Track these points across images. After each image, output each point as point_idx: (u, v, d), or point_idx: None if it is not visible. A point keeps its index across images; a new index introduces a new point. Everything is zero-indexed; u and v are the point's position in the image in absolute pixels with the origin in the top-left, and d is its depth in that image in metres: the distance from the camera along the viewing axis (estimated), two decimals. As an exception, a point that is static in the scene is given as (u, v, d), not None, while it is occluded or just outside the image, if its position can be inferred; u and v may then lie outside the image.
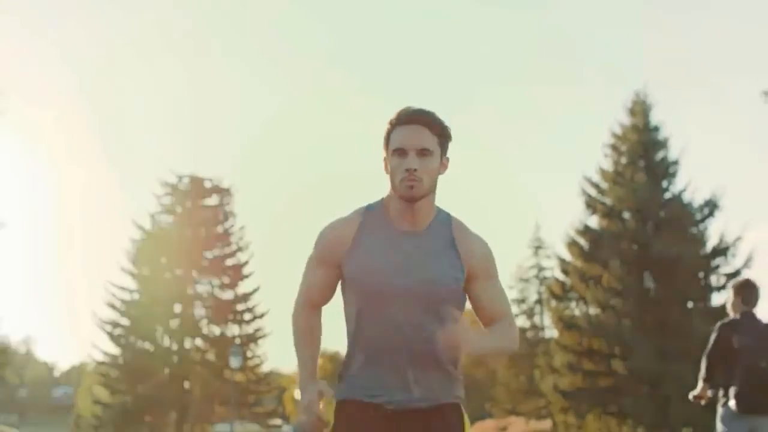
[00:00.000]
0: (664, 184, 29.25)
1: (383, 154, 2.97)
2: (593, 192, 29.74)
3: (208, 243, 36.94)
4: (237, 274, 36.97)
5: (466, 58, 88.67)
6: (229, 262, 37.08)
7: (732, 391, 6.16)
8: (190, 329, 36.03)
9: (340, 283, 3.01)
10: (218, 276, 36.83)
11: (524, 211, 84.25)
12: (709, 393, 6.35)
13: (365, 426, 2.91)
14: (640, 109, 29.70)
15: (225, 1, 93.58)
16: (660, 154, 29.52)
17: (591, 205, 29.23)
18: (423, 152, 2.86)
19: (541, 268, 42.69)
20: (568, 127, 77.53)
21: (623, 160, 29.41)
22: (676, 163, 29.03)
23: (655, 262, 27.67)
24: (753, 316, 6.32)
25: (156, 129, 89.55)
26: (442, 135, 2.92)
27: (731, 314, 6.44)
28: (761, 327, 6.27)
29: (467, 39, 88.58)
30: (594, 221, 29.55)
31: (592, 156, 74.02)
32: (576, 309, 30.06)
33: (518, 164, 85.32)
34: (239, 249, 37.34)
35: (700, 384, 6.38)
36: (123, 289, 36.00)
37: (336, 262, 2.96)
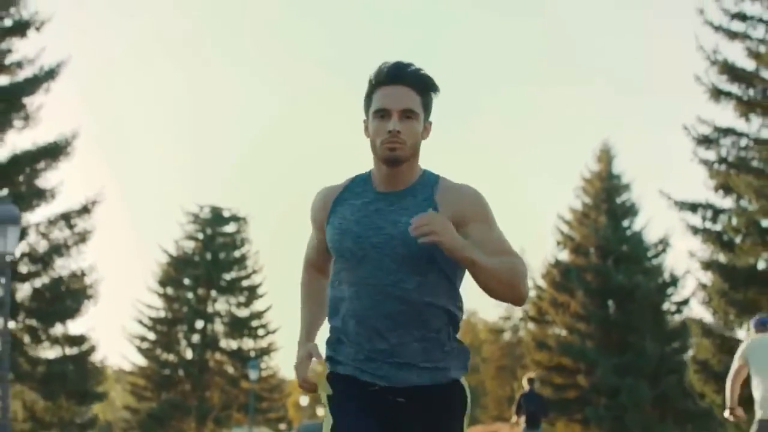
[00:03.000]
0: (626, 223, 34.82)
1: (363, 116, 2.88)
2: (565, 229, 35.37)
3: (226, 266, 41.56)
4: (252, 294, 41.62)
5: (468, 64, 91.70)
6: (245, 283, 41.76)
7: (523, 419, 14.72)
8: (210, 343, 40.60)
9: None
10: (235, 295, 41.45)
11: (526, 219, 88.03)
12: (520, 420, 14.95)
13: (352, 403, 2.81)
14: (605, 157, 35.29)
15: (224, 8, 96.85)
16: (624, 197, 35.09)
17: (561, 242, 34.88)
18: (406, 113, 2.77)
19: (526, 288, 48.05)
20: (569, 132, 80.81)
21: (589, 202, 35.03)
22: (634, 206, 34.60)
23: (615, 291, 33.25)
24: (532, 391, 15.07)
25: (155, 133, 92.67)
26: (427, 92, 2.83)
27: (525, 389, 15.08)
28: (533, 396, 15.03)
29: (468, 45, 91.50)
30: (564, 255, 35.18)
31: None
32: (550, 330, 35.73)
33: (519, 171, 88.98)
34: (254, 271, 42.08)
35: (515, 416, 14.95)
36: (150, 307, 40.44)
37: (321, 226, 2.95)
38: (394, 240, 2.76)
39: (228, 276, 41.57)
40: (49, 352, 21.37)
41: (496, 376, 44.68)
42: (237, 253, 42.09)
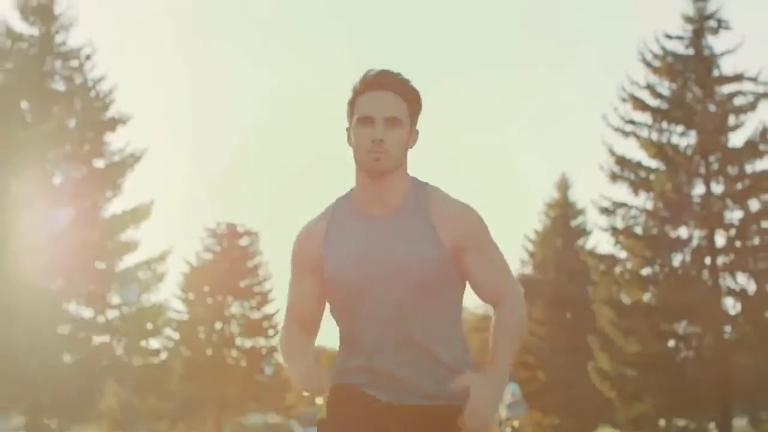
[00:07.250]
0: (580, 242, 43.81)
1: (346, 124, 2.86)
2: (530, 247, 44.44)
3: (240, 274, 48.51)
4: (263, 298, 48.40)
5: (460, 41, 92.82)
6: (257, 289, 48.51)
7: None
8: (227, 342, 47.55)
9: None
10: (249, 300, 48.21)
11: (519, 198, 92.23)
12: None
13: (357, 411, 2.86)
14: (563, 186, 44.28)
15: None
16: (578, 220, 44.09)
17: (526, 260, 44.08)
18: (391, 121, 2.77)
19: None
20: (558, 110, 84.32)
21: (549, 225, 44.06)
22: (586, 229, 43.64)
23: (569, 302, 42.29)
24: None
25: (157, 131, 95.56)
26: (413, 102, 2.83)
27: None
28: None
29: (460, 21, 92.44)
30: (529, 269, 44.29)
31: (581, 146, 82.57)
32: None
33: (511, 149, 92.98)
34: (265, 279, 49.09)
35: None
36: (174, 311, 46.57)
37: (312, 268, 2.92)
38: (401, 272, 2.80)
39: (242, 283, 48.37)
40: (136, 361, 30.55)
41: (477, 368, 53.59)
42: (250, 264, 49.24)
